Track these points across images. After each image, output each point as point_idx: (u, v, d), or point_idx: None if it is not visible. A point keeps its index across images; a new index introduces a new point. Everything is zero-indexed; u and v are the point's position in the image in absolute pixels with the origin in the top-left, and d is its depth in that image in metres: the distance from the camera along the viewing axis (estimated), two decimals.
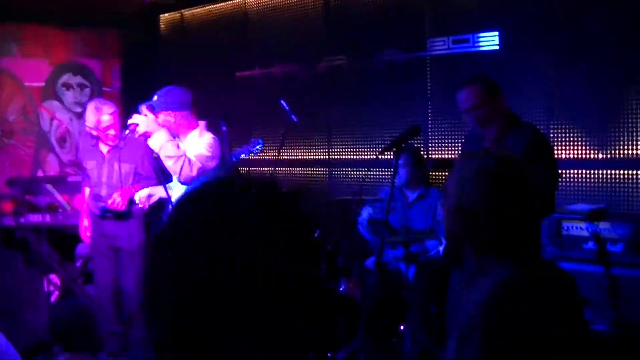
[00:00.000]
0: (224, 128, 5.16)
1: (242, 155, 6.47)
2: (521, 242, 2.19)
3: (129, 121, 5.23)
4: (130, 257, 6.26)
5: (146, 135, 5.17)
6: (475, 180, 2.21)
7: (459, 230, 2.27)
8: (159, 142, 5.11)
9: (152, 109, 5.27)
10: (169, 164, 5.09)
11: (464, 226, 2.23)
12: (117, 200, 6.12)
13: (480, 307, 2.07)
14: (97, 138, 6.24)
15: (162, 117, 5.27)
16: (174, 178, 5.18)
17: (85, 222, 6.42)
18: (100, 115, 6.11)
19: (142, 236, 6.41)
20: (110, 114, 6.12)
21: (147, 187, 6.17)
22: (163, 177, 5.32)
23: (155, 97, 5.35)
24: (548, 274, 2.31)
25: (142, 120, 5.18)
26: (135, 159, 6.30)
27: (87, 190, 6.47)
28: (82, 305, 4.14)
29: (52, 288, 7.65)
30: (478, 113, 4.58)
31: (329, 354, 4.63)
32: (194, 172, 5.10)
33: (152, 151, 5.30)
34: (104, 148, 6.36)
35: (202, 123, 5.45)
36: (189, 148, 5.20)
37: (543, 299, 2.14)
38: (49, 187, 6.83)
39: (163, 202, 5.89)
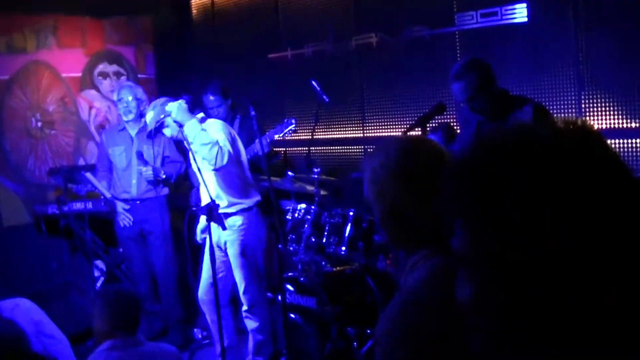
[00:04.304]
0: (252, 112, 5.22)
1: (276, 136, 6.55)
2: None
3: (165, 108, 5.35)
4: (159, 239, 6.48)
5: (179, 123, 5.28)
6: (384, 180, 2.00)
7: (392, 234, 2.06)
8: (194, 130, 5.21)
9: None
10: (203, 151, 5.17)
11: (395, 228, 2.02)
12: (148, 172, 6.34)
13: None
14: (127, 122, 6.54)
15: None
16: (203, 165, 5.25)
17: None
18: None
19: (167, 219, 6.65)
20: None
21: (174, 169, 6.40)
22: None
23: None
24: None
25: (175, 107, 5.29)
26: (162, 142, 6.53)
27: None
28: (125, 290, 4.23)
29: (98, 273, 7.82)
30: (473, 104, 4.61)
31: None
32: (226, 158, 5.21)
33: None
34: (132, 132, 6.59)
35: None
36: (211, 134, 5.31)
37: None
38: (89, 175, 6.96)
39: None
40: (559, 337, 0.95)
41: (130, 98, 6.53)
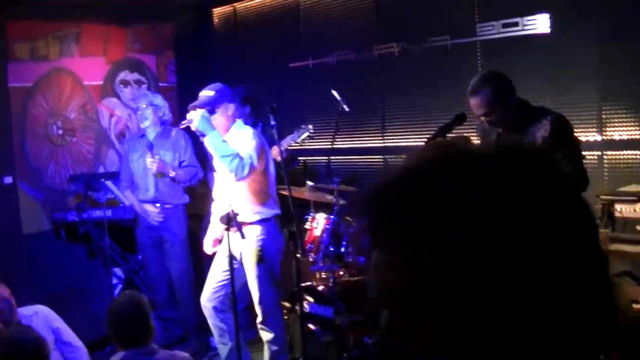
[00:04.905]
0: (273, 122, 5.22)
1: (292, 142, 6.56)
2: None
3: (187, 116, 5.36)
4: (177, 247, 6.50)
5: (200, 134, 5.28)
6: None
7: None
8: (214, 141, 5.21)
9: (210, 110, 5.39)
10: (224, 163, 5.17)
11: None
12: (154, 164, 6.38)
13: None
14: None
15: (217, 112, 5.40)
16: (222, 176, 5.26)
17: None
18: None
19: (186, 227, 6.69)
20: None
21: (189, 173, 6.43)
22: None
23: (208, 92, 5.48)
24: None
25: (197, 116, 5.29)
26: (180, 148, 6.62)
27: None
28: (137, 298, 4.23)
29: (116, 281, 7.84)
30: (490, 118, 4.57)
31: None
32: (246, 170, 5.19)
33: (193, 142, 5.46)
34: (150, 137, 6.67)
35: (239, 119, 5.61)
36: (236, 145, 5.29)
37: None
38: (109, 182, 6.99)
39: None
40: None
41: (144, 105, 6.63)
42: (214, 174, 5.77)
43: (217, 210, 5.61)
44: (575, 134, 4.68)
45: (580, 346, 0.94)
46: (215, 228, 5.72)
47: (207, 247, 5.79)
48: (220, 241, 5.68)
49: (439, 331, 0.93)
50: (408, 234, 0.95)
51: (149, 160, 6.47)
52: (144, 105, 6.65)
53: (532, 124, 4.50)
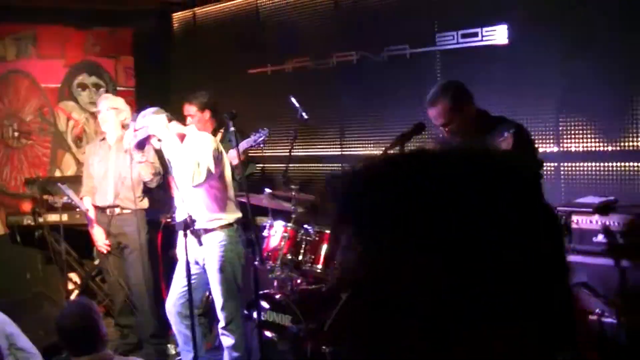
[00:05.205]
0: (231, 128, 5.22)
1: (249, 146, 6.56)
2: None
3: (143, 120, 5.31)
4: (136, 253, 6.43)
5: (157, 138, 5.25)
6: None
7: None
8: (171, 146, 5.19)
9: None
10: (180, 168, 5.15)
11: None
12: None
13: None
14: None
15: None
16: (182, 180, 5.23)
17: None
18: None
19: (145, 232, 6.61)
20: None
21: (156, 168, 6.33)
22: None
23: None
24: None
25: (154, 120, 5.25)
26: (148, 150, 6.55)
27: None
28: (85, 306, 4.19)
29: (72, 286, 7.77)
30: (450, 127, 4.60)
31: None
32: (203, 176, 5.17)
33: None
34: (110, 141, 6.61)
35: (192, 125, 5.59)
36: (193, 150, 5.27)
37: None
38: (65, 187, 6.91)
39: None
40: None
41: (105, 108, 6.58)
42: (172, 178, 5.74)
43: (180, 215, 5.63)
44: (534, 144, 4.74)
45: (563, 346, 0.97)
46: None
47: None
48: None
49: (430, 331, 0.92)
50: (400, 230, 0.93)
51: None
52: (105, 108, 6.59)
53: (491, 133, 4.54)
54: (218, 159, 5.39)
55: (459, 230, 0.91)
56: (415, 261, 0.91)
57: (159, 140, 5.22)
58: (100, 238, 6.59)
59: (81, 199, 6.74)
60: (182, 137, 5.40)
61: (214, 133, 6.60)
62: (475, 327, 0.91)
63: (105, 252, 6.63)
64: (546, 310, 0.94)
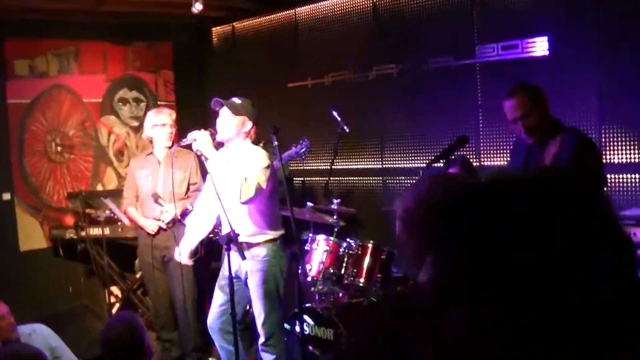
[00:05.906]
0: (275, 142, 5.20)
1: (290, 158, 6.56)
2: None
3: (189, 135, 5.30)
4: (182, 267, 6.37)
5: (203, 154, 5.21)
6: (417, 217, 2.04)
7: None
8: (217, 164, 5.16)
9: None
10: (227, 185, 5.09)
11: None
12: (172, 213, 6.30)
13: None
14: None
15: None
16: (225, 200, 5.20)
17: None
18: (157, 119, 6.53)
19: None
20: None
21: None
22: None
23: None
24: None
25: (199, 137, 5.22)
26: (189, 168, 6.54)
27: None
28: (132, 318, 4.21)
29: (113, 299, 7.83)
30: (526, 121, 4.58)
31: None
32: (252, 192, 5.08)
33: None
34: (159, 156, 6.59)
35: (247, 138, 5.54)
36: (241, 165, 5.21)
37: None
38: (108, 200, 6.97)
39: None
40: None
41: (171, 123, 6.55)
42: (203, 185, 5.73)
43: (194, 220, 5.60)
44: (601, 158, 4.72)
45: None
46: (190, 238, 5.67)
47: (183, 257, 5.71)
48: (194, 253, 5.67)
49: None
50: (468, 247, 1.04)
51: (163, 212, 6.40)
52: (171, 123, 6.59)
53: (553, 138, 4.53)
54: (270, 174, 5.33)
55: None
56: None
57: (206, 158, 5.18)
58: (151, 224, 6.55)
59: (124, 212, 6.75)
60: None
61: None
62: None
63: (156, 230, 6.58)
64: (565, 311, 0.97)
